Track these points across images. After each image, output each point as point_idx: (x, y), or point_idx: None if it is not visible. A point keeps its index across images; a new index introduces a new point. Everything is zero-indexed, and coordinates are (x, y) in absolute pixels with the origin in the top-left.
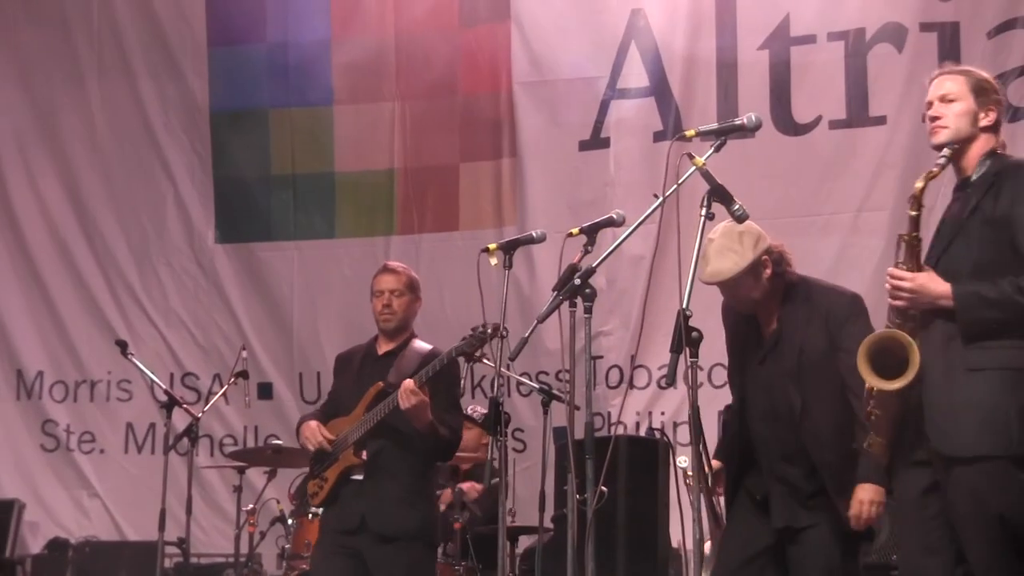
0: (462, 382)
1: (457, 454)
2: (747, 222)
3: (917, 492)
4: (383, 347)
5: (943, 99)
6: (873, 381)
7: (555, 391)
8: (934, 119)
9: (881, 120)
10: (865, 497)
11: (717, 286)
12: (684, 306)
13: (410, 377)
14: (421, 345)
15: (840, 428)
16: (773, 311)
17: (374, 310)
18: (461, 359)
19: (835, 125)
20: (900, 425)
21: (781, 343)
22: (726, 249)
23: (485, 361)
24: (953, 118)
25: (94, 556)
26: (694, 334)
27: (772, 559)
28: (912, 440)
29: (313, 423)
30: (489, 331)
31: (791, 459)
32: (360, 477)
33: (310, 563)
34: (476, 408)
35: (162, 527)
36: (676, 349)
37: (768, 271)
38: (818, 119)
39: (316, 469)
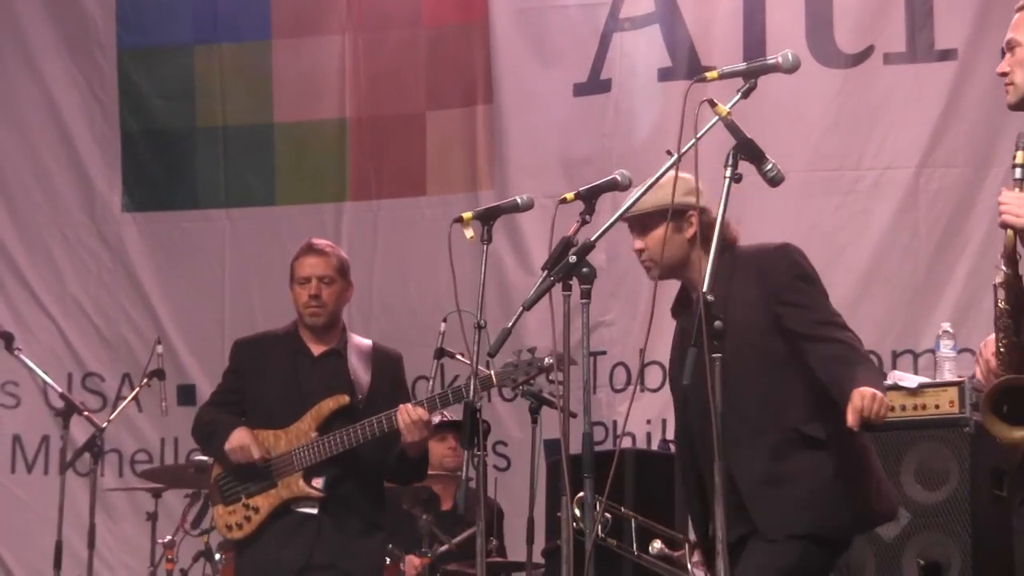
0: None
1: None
2: (689, 175)
3: None
4: (315, 345)
5: (1009, 46)
6: (998, 431)
7: (546, 395)
8: (1002, 74)
9: (949, 55)
10: (870, 391)
11: (630, 230)
12: (705, 289)
13: (376, 389)
14: (361, 341)
15: (782, 410)
16: (698, 284)
17: (296, 301)
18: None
19: (891, 59)
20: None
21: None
22: (657, 186)
23: (459, 357)
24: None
25: None
26: (717, 323)
27: None
28: None
29: (246, 432)
30: (548, 360)
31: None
32: (311, 511)
33: None
34: (444, 414)
35: (58, 564)
36: (695, 342)
37: (692, 230)
38: (869, 50)
39: (232, 491)
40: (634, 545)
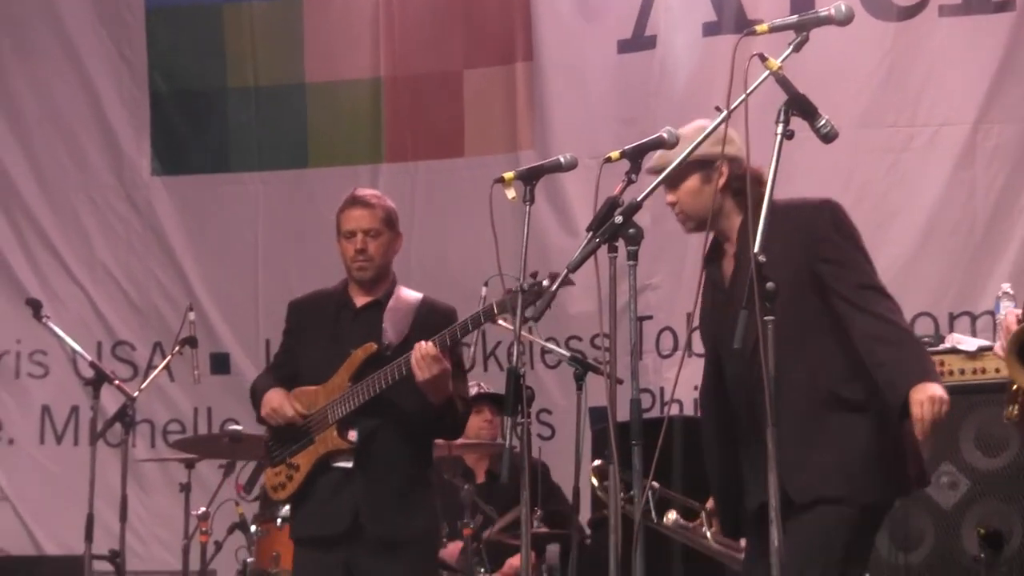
0: (473, 340)
1: (461, 442)
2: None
3: None
4: (360, 298)
5: None
6: (1019, 377)
7: (591, 361)
8: None
9: (1006, 6)
10: (927, 394)
11: (663, 187)
12: (756, 249)
13: (410, 336)
14: (410, 294)
15: (818, 369)
16: (732, 238)
17: (344, 255)
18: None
19: (946, 11)
20: None
21: (740, 271)
22: (683, 138)
23: (501, 322)
24: None
25: (2, 574)
26: (769, 285)
27: None
28: None
29: (279, 393)
30: (546, 282)
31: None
32: (348, 464)
33: None
34: (481, 385)
35: (89, 537)
36: (746, 304)
37: (723, 180)
38: (923, 2)
39: (278, 453)
40: (653, 514)
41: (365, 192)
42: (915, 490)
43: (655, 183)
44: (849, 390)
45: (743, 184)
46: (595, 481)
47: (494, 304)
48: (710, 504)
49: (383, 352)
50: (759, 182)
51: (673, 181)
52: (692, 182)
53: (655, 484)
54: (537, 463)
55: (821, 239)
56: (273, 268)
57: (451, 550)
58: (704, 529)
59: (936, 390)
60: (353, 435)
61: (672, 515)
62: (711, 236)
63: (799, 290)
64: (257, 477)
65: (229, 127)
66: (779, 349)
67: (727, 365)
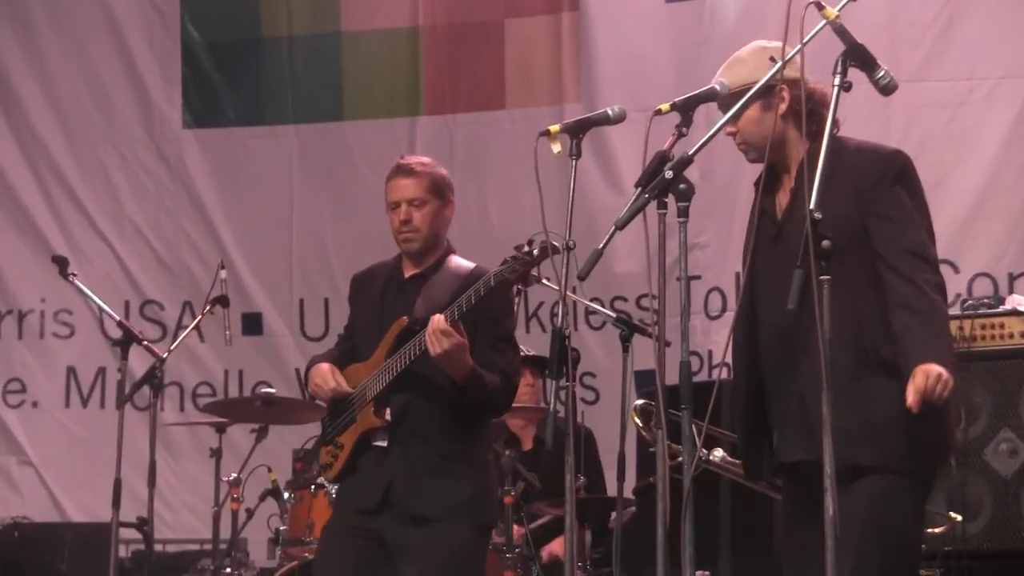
0: (515, 309)
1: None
2: (777, 43)
3: None
4: (410, 269)
5: None
6: None
7: (638, 322)
8: None
9: None
10: (935, 370)
11: (720, 110)
12: (812, 206)
13: (444, 309)
14: (460, 263)
15: (858, 325)
16: (791, 169)
17: (391, 226)
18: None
19: None
20: None
21: (795, 211)
22: (738, 62)
23: (544, 282)
24: None
25: (26, 542)
26: (825, 243)
27: None
28: None
29: (326, 366)
30: (536, 251)
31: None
32: (383, 443)
33: (319, 544)
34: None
35: (116, 504)
36: (801, 263)
37: (784, 106)
38: None
39: (330, 431)
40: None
41: (411, 160)
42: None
43: (719, 125)
44: (890, 351)
45: (812, 107)
46: (638, 421)
47: (491, 276)
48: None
49: (413, 326)
50: (823, 104)
51: (733, 116)
52: (752, 110)
53: (704, 451)
54: (581, 429)
55: (881, 192)
56: (307, 225)
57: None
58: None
59: (944, 370)
60: (387, 413)
61: (719, 452)
62: (766, 164)
63: (848, 240)
64: (315, 455)
65: (263, 78)
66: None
67: (763, 304)
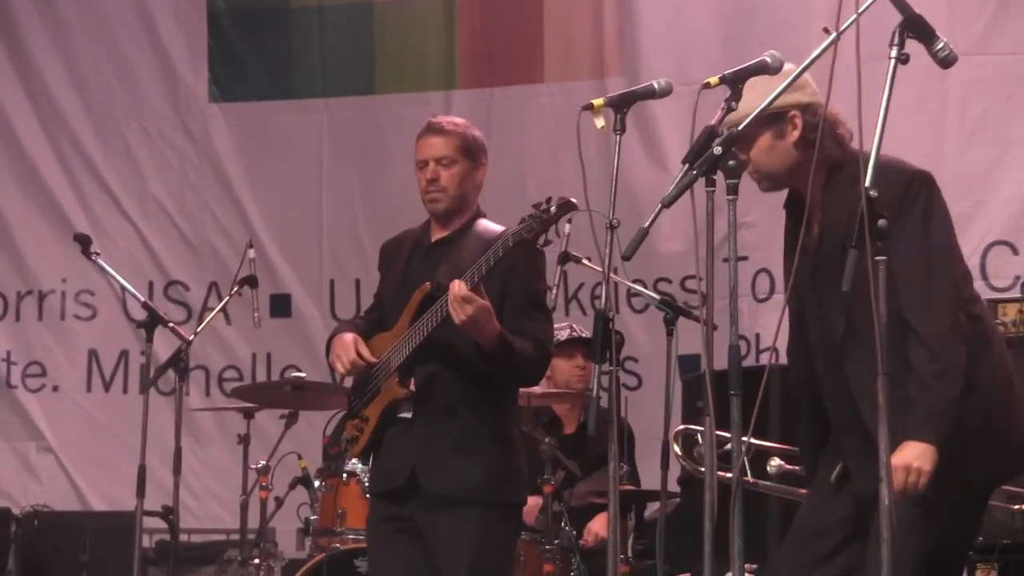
0: (555, 282)
1: (550, 391)
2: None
3: None
4: (437, 233)
5: None
6: None
7: (683, 304)
8: None
9: None
10: (905, 458)
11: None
12: (867, 184)
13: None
14: (489, 227)
15: (899, 344)
16: (816, 199)
17: (419, 187)
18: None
19: None
20: None
21: (825, 243)
22: (750, 88)
23: (585, 262)
24: None
25: (46, 531)
26: (881, 222)
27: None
28: None
29: (348, 336)
30: (555, 208)
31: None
32: (408, 415)
33: (367, 547)
34: (574, 327)
35: (140, 492)
36: (856, 243)
37: (796, 133)
38: None
39: (355, 405)
40: (748, 471)
41: (443, 119)
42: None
43: (757, 111)
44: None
45: (815, 137)
46: (678, 449)
47: (509, 236)
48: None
49: (435, 292)
50: (833, 137)
51: (743, 138)
52: (764, 140)
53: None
54: (624, 425)
55: (893, 213)
56: (338, 202)
57: (530, 506)
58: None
59: (913, 458)
60: (412, 383)
61: (776, 461)
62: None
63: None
64: (341, 430)
65: (292, 50)
66: (867, 331)
67: (813, 342)
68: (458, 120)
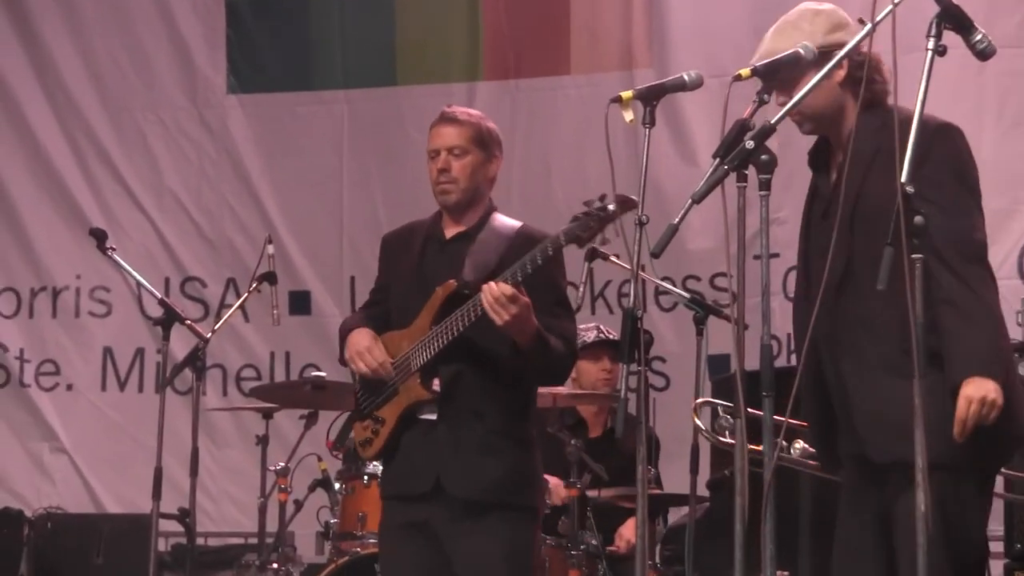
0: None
1: (576, 392)
2: (830, 5)
3: None
4: (451, 227)
5: None
6: None
7: (712, 303)
8: None
9: None
10: (979, 393)
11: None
12: (903, 180)
13: (495, 272)
14: (505, 222)
15: (896, 310)
16: (845, 143)
17: (430, 177)
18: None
19: None
20: None
21: (843, 181)
22: (789, 27)
23: (613, 259)
24: None
25: (59, 534)
26: (917, 219)
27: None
28: None
29: (366, 334)
30: (612, 206)
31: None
32: (432, 416)
33: (379, 550)
34: (601, 329)
35: (156, 495)
36: (892, 241)
37: (842, 72)
38: None
39: (366, 404)
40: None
41: (457, 109)
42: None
43: (791, 104)
44: (935, 340)
45: (861, 72)
46: (699, 422)
47: (561, 235)
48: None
49: (461, 290)
50: (878, 72)
51: (785, 80)
52: (808, 79)
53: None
54: (652, 433)
55: (928, 178)
56: (359, 197)
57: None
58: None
59: (990, 391)
60: (436, 383)
61: (799, 444)
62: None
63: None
64: (348, 431)
65: (311, 40)
66: (867, 287)
67: (815, 287)
68: (473, 111)
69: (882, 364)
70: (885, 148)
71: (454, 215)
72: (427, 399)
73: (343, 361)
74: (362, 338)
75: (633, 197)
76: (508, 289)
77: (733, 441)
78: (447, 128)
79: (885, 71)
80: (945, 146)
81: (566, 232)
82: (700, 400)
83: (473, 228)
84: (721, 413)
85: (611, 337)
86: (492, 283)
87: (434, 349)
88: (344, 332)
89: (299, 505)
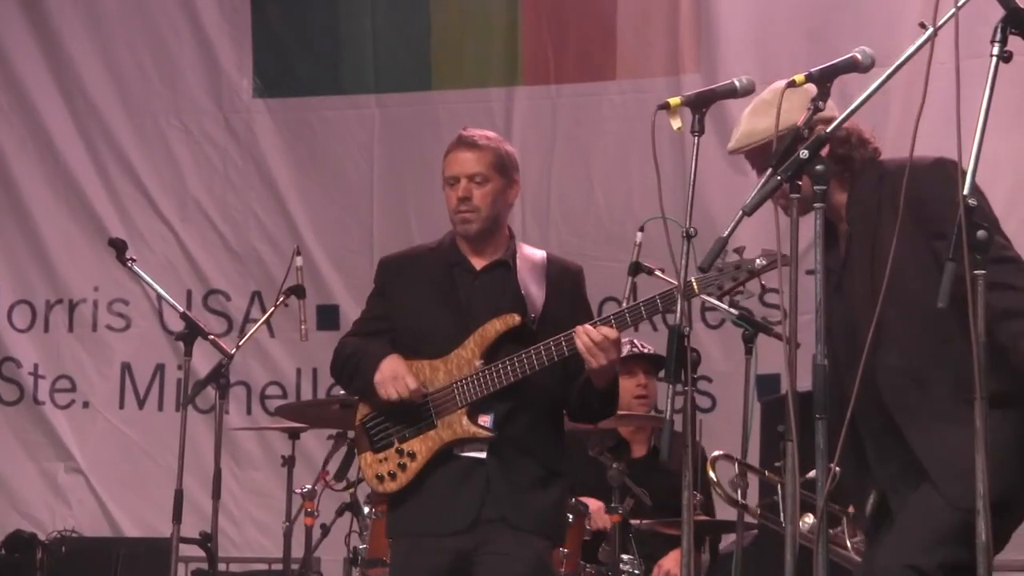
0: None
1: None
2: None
3: None
4: (477, 258)
5: None
6: None
7: (762, 320)
8: None
9: None
10: None
11: (750, 164)
12: (966, 192)
13: (550, 306)
14: (532, 251)
15: (956, 367)
16: (842, 213)
17: (448, 205)
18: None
19: None
20: None
21: (852, 250)
22: (766, 106)
23: (658, 274)
24: None
25: (74, 558)
26: (980, 233)
27: None
28: None
29: (400, 361)
30: (764, 260)
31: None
32: (480, 455)
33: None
34: (635, 343)
35: (177, 518)
36: (952, 256)
37: (823, 149)
38: None
39: (384, 435)
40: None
41: (474, 132)
42: None
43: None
44: (997, 382)
45: (847, 150)
46: (713, 475)
47: (694, 282)
48: (853, 509)
49: (528, 326)
50: (863, 144)
51: (763, 163)
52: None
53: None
54: (700, 449)
55: (932, 212)
56: (390, 207)
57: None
58: (845, 537)
59: None
60: (487, 420)
61: (809, 519)
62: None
63: (919, 271)
64: (348, 465)
65: (342, 42)
66: (905, 339)
67: (841, 358)
68: (490, 134)
69: (943, 416)
70: (882, 205)
71: (475, 244)
72: (477, 437)
73: (359, 387)
74: (397, 364)
75: (770, 249)
76: (613, 333)
77: (744, 501)
78: (466, 154)
79: (871, 140)
80: (945, 182)
81: (700, 281)
82: (716, 453)
83: (508, 257)
84: (736, 473)
85: (646, 350)
86: (589, 326)
87: (495, 384)
88: (357, 356)
89: (326, 530)
